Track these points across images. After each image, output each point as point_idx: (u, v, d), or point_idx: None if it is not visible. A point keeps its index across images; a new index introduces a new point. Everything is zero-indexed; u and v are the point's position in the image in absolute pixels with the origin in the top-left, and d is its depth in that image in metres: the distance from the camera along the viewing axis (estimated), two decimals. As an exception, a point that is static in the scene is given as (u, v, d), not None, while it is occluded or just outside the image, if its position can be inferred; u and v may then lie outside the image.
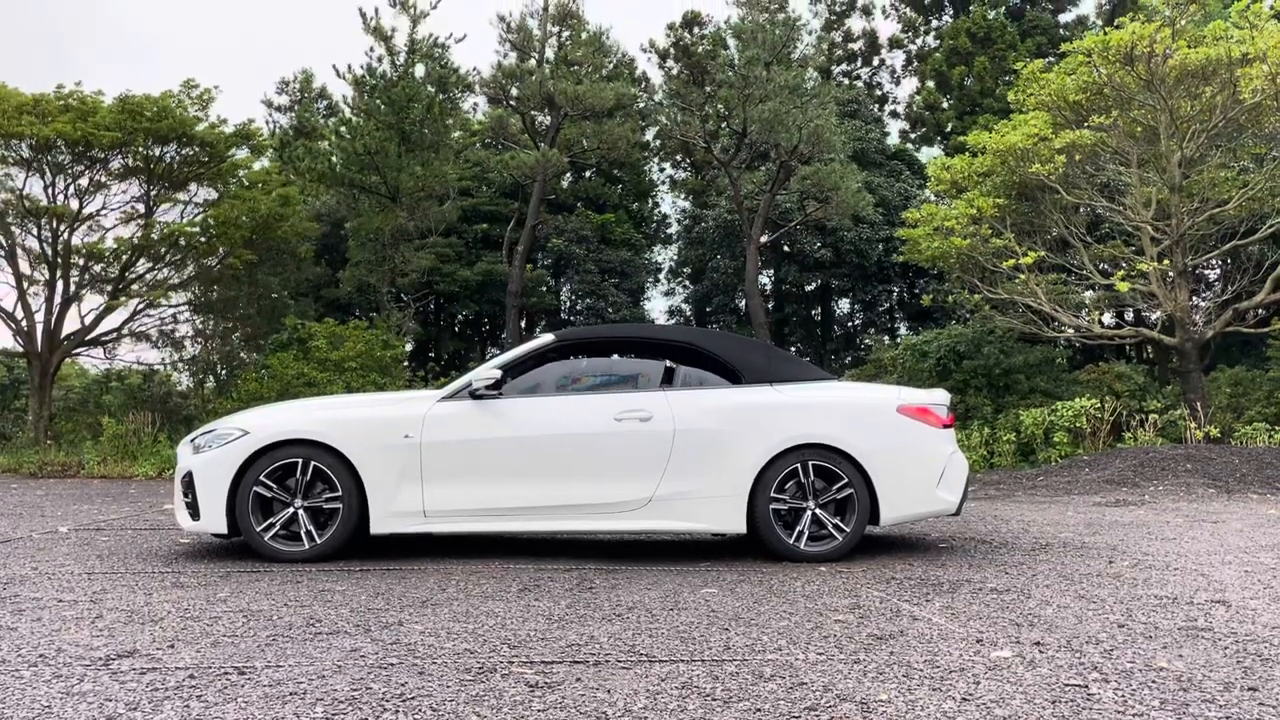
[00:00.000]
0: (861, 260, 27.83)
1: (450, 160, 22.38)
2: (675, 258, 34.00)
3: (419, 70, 20.11)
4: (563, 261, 29.36)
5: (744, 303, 27.47)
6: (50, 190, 19.61)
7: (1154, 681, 3.77)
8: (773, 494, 6.64)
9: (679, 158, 33.94)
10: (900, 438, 6.91)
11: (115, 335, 20.96)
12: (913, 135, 33.95)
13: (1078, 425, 16.12)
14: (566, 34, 23.99)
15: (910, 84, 35.93)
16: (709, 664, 3.99)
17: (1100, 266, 19.18)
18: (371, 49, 20.03)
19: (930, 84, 32.20)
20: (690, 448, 6.68)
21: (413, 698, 3.52)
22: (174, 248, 20.26)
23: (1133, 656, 4.14)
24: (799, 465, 6.69)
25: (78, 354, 21.38)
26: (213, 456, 6.58)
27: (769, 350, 7.74)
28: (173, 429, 18.39)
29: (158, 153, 19.78)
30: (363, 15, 19.75)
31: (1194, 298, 19.58)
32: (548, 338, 7.32)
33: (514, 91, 23.76)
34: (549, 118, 24.40)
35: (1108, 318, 23.81)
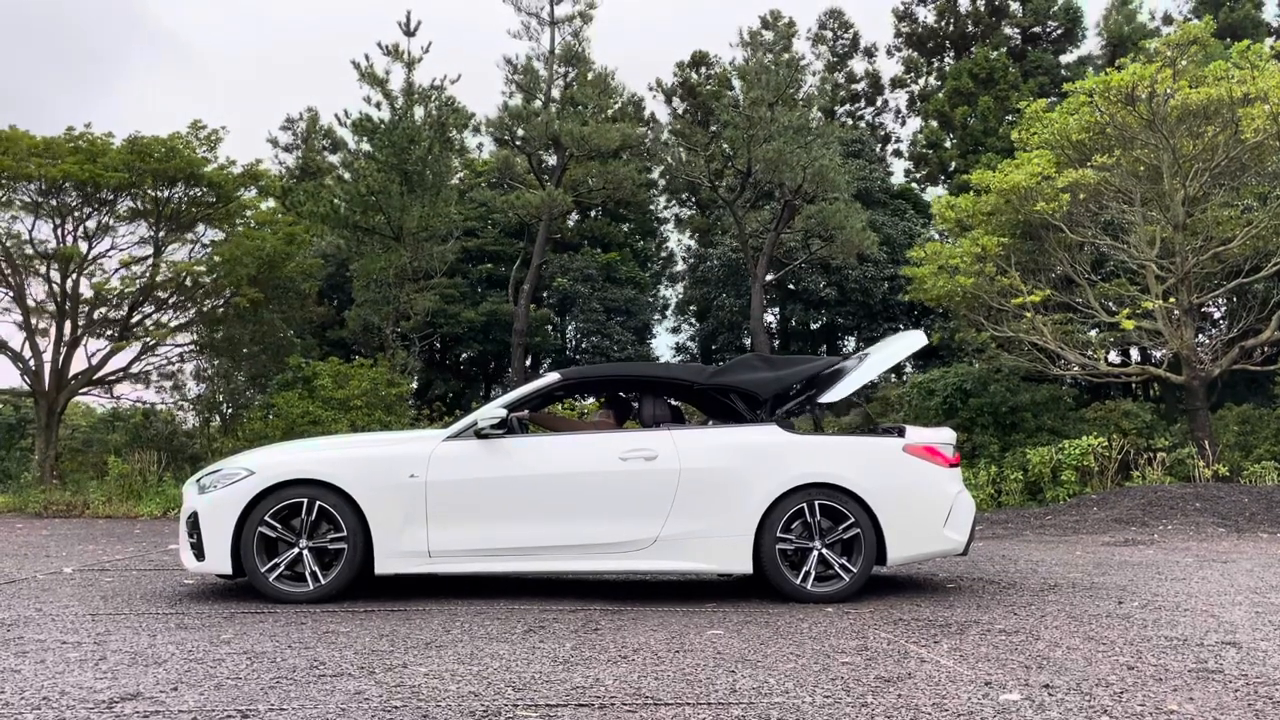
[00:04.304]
0: (866, 299, 27.88)
1: (453, 200, 22.50)
2: (681, 295, 34.10)
3: (418, 112, 20.26)
4: (568, 300, 29.43)
5: (749, 341, 27.50)
6: (60, 232, 19.73)
7: (1165, 725, 3.73)
8: (779, 534, 6.62)
9: (684, 196, 34.15)
10: (907, 477, 6.89)
11: (121, 375, 21.00)
12: (916, 174, 34.14)
13: (1085, 464, 16.04)
14: (572, 75, 24.21)
15: (913, 124, 36.16)
16: (715, 707, 3.96)
17: (1106, 305, 19.18)
18: (369, 97, 20.23)
19: (933, 123, 32.41)
20: (696, 487, 6.66)
21: (417, 742, 3.49)
22: (180, 288, 20.34)
23: (1143, 699, 4.10)
24: (805, 505, 6.66)
25: (84, 393, 21.41)
26: (218, 497, 6.57)
27: (769, 360, 7.65)
28: (178, 468, 18.38)
29: (165, 194, 19.91)
30: (356, 66, 19.91)
31: (1200, 335, 19.56)
32: (553, 376, 7.31)
33: (520, 132, 23.94)
34: (555, 158, 24.57)
35: (1114, 356, 23.78)
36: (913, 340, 7.53)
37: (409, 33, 20.26)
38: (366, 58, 19.91)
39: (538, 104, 24.03)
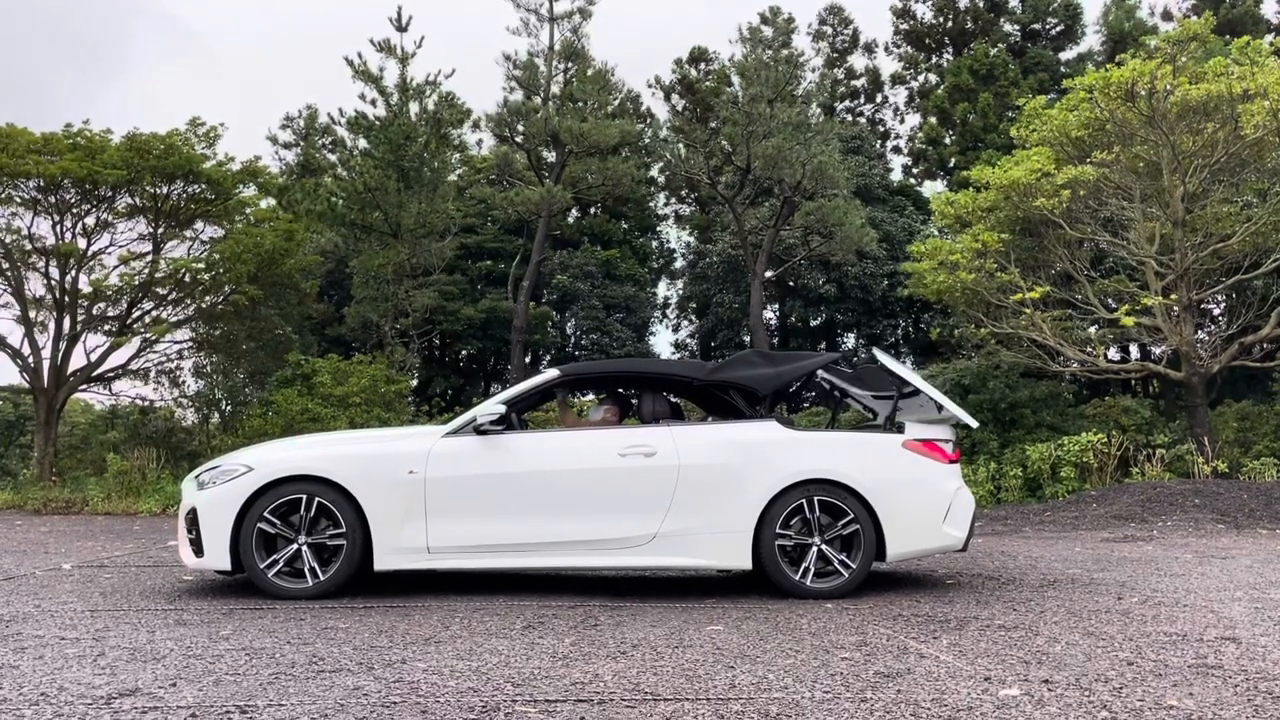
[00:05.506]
0: (866, 295, 27.86)
1: (450, 196, 22.49)
2: (680, 292, 34.09)
3: (413, 108, 20.23)
4: (567, 297, 29.43)
5: (749, 337, 27.49)
6: (58, 228, 19.71)
7: (1165, 720, 3.73)
8: (778, 530, 6.61)
9: (684, 193, 34.12)
10: (906, 473, 6.89)
11: (120, 371, 20.98)
12: (915, 171, 34.11)
13: (1084, 460, 16.05)
14: (572, 71, 24.19)
15: (913, 120, 36.09)
16: (715, 702, 3.95)
17: (1105, 301, 19.17)
18: (364, 94, 20.18)
19: (933, 120, 32.37)
20: (695, 483, 6.66)
21: (415, 737, 3.49)
22: (179, 285, 20.32)
23: (1142, 695, 4.10)
24: (804, 501, 6.66)
25: (83, 390, 21.39)
26: (217, 493, 6.56)
27: (768, 356, 7.63)
28: (177, 465, 18.37)
29: (164, 190, 19.88)
30: (349, 63, 19.86)
31: (1199, 332, 19.54)
32: (552, 373, 7.31)
33: (519, 128, 23.92)
34: (554, 154, 24.55)
35: (1113, 352, 23.77)
36: (966, 418, 7.42)
37: (400, 28, 20.25)
38: (360, 55, 19.94)
39: (537, 100, 24.01)
